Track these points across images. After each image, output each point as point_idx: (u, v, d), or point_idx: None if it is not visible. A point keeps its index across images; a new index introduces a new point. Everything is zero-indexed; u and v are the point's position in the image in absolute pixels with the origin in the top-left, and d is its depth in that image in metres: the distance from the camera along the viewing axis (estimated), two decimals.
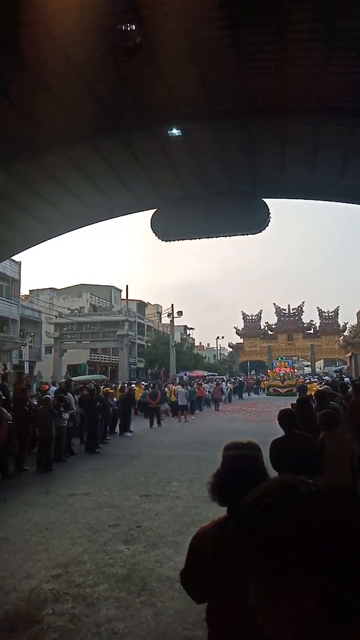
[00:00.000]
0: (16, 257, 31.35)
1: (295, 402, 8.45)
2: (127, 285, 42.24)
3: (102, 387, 17.14)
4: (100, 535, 6.02)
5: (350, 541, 0.70)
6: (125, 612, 4.03)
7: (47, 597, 4.33)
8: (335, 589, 0.69)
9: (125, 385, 21.03)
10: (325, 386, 14.39)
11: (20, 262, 35.02)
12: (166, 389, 22.94)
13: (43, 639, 3.64)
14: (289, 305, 58.74)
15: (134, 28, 8.08)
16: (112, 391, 17.09)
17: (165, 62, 9.23)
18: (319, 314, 57.89)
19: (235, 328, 60.34)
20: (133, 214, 17.29)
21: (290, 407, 6.49)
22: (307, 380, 35.46)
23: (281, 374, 42.27)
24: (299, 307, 58.42)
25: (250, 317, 60.24)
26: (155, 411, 19.38)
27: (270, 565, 0.73)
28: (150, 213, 15.71)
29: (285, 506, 0.76)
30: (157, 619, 3.92)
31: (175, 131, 11.27)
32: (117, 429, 16.39)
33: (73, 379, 25.01)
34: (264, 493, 0.81)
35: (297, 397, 13.30)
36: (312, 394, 14.71)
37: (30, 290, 50.10)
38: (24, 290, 44.15)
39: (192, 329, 77.12)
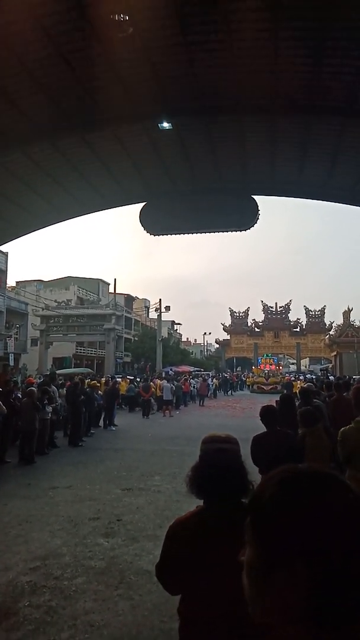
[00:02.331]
0: (3, 248, 30.96)
1: (278, 399, 8.51)
2: (115, 279, 41.96)
3: (87, 380, 17.12)
4: (80, 529, 6.00)
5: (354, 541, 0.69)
6: (102, 605, 4.03)
7: (24, 590, 4.31)
8: (329, 586, 0.67)
9: (110, 379, 20.99)
10: (307, 384, 14.52)
11: (7, 253, 34.62)
12: (151, 383, 22.97)
13: (18, 631, 3.63)
14: (276, 303, 59.22)
15: (125, 18, 8.01)
16: (98, 385, 17.06)
17: (156, 54, 9.17)
18: (305, 313, 58.44)
19: (223, 324, 60.66)
20: (122, 207, 17.23)
21: (274, 404, 6.54)
22: (292, 378, 35.78)
23: (266, 371, 42.39)
24: (286, 305, 58.87)
25: (237, 314, 60.51)
26: (147, 403, 20.29)
27: (273, 547, 0.73)
28: (139, 207, 15.66)
29: (303, 495, 0.74)
30: (134, 612, 3.92)
31: (165, 125, 11.21)
32: (101, 423, 16.34)
33: (58, 372, 24.87)
34: (285, 479, 0.78)
35: (283, 394, 13.40)
36: (297, 391, 14.85)
37: (17, 282, 49.58)
38: (11, 282, 43.64)
39: (179, 324, 77.28)
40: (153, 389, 21.94)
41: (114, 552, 5.22)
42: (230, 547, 1.75)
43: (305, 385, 13.31)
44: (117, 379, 22.40)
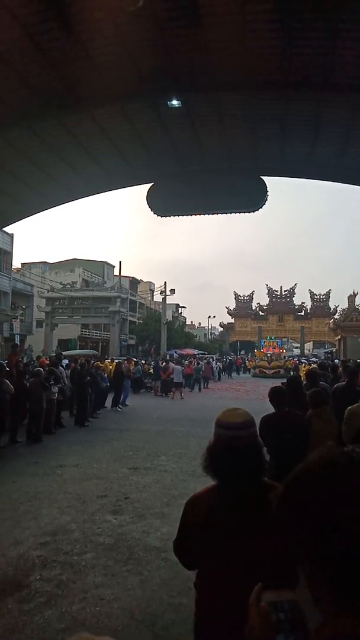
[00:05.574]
0: (8, 229, 30.80)
1: (285, 380, 8.51)
2: (120, 262, 42.04)
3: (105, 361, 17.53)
4: (88, 506, 6.08)
5: None
6: (112, 580, 4.10)
7: (35, 564, 4.39)
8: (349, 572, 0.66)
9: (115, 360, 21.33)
10: (313, 367, 14.51)
11: (13, 234, 34.48)
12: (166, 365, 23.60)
13: (30, 602, 3.70)
14: (281, 287, 59.04)
15: None
16: (101, 366, 17.31)
17: (166, 27, 8.91)
18: (310, 297, 58.26)
19: (227, 308, 60.60)
20: (129, 188, 17.05)
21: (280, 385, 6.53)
22: (298, 362, 35.74)
23: (269, 354, 42.10)
24: (291, 289, 58.68)
25: (242, 298, 60.40)
26: (164, 383, 21.92)
27: (301, 529, 0.71)
28: (146, 188, 15.47)
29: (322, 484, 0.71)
30: (143, 587, 3.99)
31: (174, 102, 10.96)
32: (108, 403, 16.47)
33: (63, 353, 25.01)
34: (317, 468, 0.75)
35: (290, 375, 13.40)
36: (303, 373, 14.84)
37: (22, 264, 49.57)
38: (16, 263, 43.64)
39: (184, 307, 77.15)
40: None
41: (122, 528, 5.29)
42: (245, 522, 1.76)
43: (312, 367, 13.29)
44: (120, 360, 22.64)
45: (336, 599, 0.68)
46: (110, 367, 19.56)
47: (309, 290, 58.49)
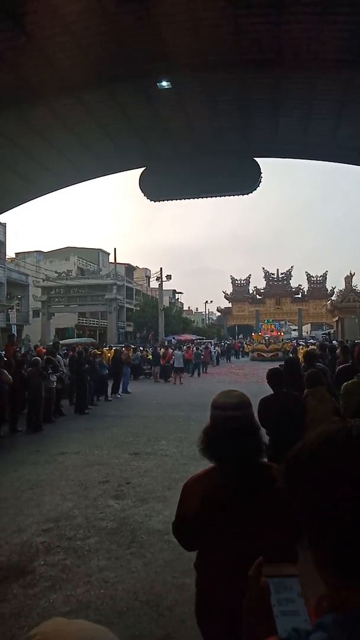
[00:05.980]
0: (1, 218, 30.53)
1: (283, 363, 8.53)
2: (115, 249, 41.66)
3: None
4: (90, 492, 6.13)
5: None
6: (115, 563, 4.14)
7: (39, 550, 4.43)
8: (351, 544, 0.65)
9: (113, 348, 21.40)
10: (312, 347, 14.56)
11: (5, 223, 34.16)
12: (165, 351, 23.74)
13: (36, 587, 3.74)
14: (277, 270, 58.84)
15: None
16: (99, 353, 17.32)
17: (155, 6, 8.71)
18: (307, 279, 58.14)
19: (224, 292, 60.52)
20: (123, 175, 16.91)
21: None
22: (296, 344, 35.81)
23: (266, 337, 42.10)
24: (287, 271, 58.52)
25: (239, 282, 60.28)
26: (164, 369, 22.30)
27: (308, 503, 0.70)
28: (139, 174, 15.30)
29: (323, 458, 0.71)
30: (147, 569, 4.03)
31: (164, 83, 10.77)
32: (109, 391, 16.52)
33: (61, 342, 25.01)
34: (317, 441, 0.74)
35: (288, 357, 13.44)
36: (301, 355, 14.86)
37: (16, 253, 49.14)
38: (10, 253, 43.30)
39: (180, 293, 76.97)
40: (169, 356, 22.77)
41: (124, 513, 5.34)
42: (242, 504, 1.76)
43: (309, 349, 13.33)
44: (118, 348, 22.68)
45: (338, 573, 0.68)
46: (109, 354, 19.60)
47: (306, 272, 58.41)
